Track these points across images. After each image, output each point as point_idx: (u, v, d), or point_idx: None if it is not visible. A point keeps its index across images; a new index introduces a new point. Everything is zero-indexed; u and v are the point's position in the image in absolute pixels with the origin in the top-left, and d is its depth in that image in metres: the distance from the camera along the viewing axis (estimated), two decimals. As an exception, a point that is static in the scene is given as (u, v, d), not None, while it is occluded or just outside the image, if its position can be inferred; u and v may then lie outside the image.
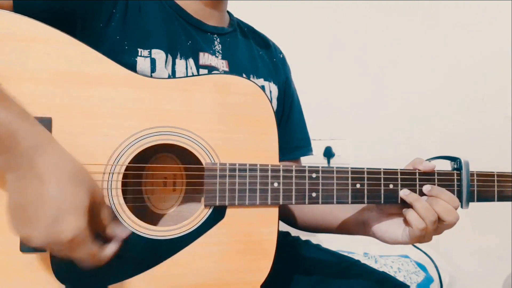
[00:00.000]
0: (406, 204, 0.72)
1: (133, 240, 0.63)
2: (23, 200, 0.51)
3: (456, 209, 0.70)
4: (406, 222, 0.72)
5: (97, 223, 0.56)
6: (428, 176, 0.73)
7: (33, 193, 0.51)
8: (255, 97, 0.70)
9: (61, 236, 0.51)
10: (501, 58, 1.70)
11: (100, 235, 0.57)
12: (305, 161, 0.99)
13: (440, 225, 0.70)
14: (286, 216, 0.95)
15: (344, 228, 0.85)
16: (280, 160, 0.70)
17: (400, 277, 1.35)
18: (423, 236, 0.70)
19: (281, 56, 1.02)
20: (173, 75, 0.76)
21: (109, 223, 0.58)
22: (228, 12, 0.94)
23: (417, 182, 0.73)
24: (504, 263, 1.68)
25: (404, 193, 0.71)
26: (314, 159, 0.99)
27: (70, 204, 0.52)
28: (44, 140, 0.53)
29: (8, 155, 0.51)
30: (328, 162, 1.74)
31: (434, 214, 0.69)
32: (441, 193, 0.71)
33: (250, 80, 0.71)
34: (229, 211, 0.67)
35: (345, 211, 0.84)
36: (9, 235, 0.57)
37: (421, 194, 0.72)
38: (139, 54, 0.73)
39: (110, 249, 0.57)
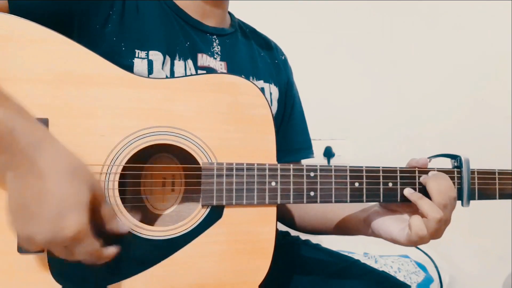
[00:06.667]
0: (406, 203, 0.72)
1: (130, 240, 0.63)
2: (24, 198, 0.51)
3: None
4: (408, 225, 0.70)
5: (98, 219, 0.56)
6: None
7: (34, 191, 0.51)
8: (252, 96, 0.69)
9: (64, 232, 0.50)
10: (501, 58, 1.70)
11: (100, 232, 0.56)
12: (305, 161, 0.99)
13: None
14: (284, 215, 0.95)
15: (344, 226, 0.84)
16: (280, 162, 0.70)
17: (400, 277, 1.34)
18: (420, 241, 0.69)
19: (283, 57, 1.01)
20: (171, 76, 0.76)
21: (109, 219, 0.57)
22: (229, 13, 0.93)
23: (417, 180, 0.72)
24: (504, 263, 1.68)
25: (408, 191, 0.71)
26: (314, 159, 0.99)
27: (72, 200, 0.51)
28: (43, 137, 0.53)
29: (7, 154, 0.51)
30: (328, 162, 1.73)
31: (438, 211, 0.67)
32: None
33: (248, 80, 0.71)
34: (226, 211, 0.67)
35: (347, 210, 0.84)
36: (7, 235, 0.57)
37: (422, 191, 0.71)
38: (137, 56, 0.73)
39: (112, 249, 0.57)
